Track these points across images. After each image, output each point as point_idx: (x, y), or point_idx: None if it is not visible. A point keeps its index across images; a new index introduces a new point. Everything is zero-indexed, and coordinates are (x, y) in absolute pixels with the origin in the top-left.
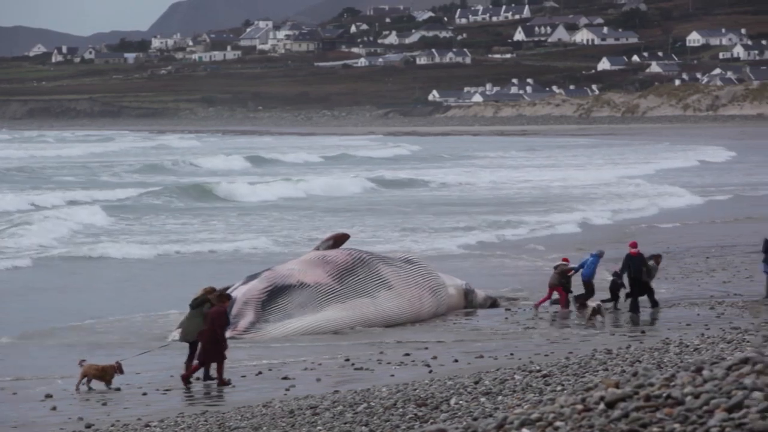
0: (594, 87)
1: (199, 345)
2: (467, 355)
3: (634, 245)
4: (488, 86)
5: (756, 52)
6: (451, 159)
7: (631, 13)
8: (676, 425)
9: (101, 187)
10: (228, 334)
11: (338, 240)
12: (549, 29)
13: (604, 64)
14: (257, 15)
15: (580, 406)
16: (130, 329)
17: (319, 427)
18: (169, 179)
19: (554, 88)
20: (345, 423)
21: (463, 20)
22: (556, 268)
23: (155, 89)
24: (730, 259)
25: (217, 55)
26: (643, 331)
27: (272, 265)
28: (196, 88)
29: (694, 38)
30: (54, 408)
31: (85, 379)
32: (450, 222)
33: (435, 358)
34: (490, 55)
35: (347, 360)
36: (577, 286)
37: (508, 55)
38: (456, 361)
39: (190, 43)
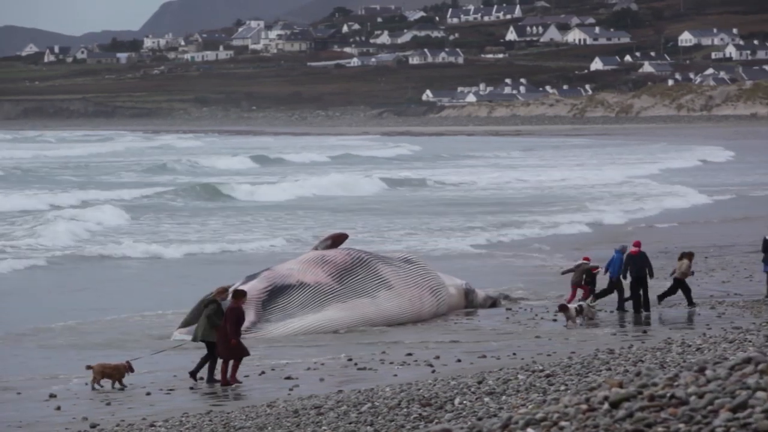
0: (587, 87)
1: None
2: (470, 354)
3: (637, 244)
4: (482, 86)
5: (748, 52)
6: (451, 159)
7: (623, 13)
8: (681, 425)
9: (113, 187)
10: None
11: (337, 240)
12: (541, 29)
13: (596, 64)
14: (248, 14)
15: (584, 406)
16: (142, 328)
17: (324, 427)
18: (182, 179)
19: (547, 88)
20: (350, 423)
21: (455, 20)
22: (578, 267)
23: (148, 89)
24: (729, 259)
25: (210, 55)
26: (644, 331)
27: (272, 264)
28: (189, 88)
29: (686, 38)
30: (58, 408)
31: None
32: (469, 222)
33: (437, 357)
34: (482, 55)
35: (350, 360)
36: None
37: (501, 55)
38: (459, 360)
39: (182, 43)
